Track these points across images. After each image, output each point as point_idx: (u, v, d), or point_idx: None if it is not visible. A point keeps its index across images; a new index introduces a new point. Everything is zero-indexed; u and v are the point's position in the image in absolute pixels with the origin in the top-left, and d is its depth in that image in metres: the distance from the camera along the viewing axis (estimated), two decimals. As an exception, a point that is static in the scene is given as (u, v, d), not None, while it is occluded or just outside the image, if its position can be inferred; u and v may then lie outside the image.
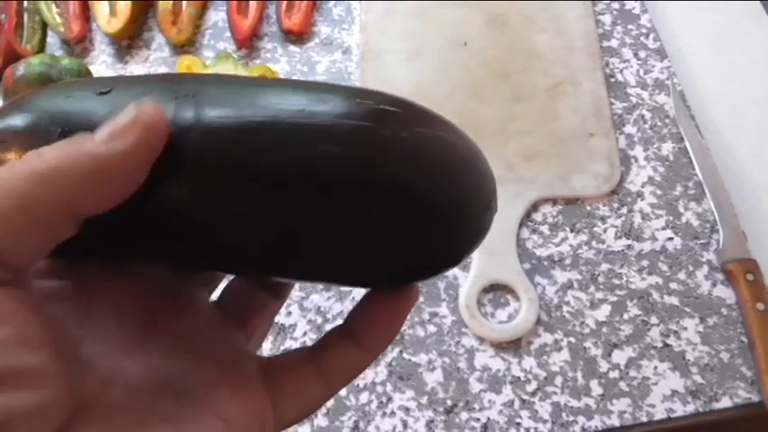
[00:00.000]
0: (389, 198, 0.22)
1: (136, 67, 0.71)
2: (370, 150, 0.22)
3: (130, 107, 0.22)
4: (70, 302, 0.24)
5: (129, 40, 0.73)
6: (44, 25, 0.73)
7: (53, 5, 0.72)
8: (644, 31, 0.72)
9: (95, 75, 0.67)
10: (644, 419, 0.52)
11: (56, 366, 0.20)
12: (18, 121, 0.24)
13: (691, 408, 0.53)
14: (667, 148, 0.64)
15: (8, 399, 0.18)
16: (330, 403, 0.53)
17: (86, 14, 0.73)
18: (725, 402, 0.53)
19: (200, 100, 0.23)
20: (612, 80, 0.69)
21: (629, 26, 0.72)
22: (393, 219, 0.23)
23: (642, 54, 0.70)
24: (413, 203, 0.23)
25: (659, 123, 0.66)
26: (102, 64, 0.71)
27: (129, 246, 0.25)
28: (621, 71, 0.69)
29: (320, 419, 0.53)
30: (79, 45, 0.72)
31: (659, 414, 0.52)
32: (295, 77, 0.69)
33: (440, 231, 0.23)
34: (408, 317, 0.56)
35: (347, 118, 0.22)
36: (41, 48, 0.71)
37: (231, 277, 0.30)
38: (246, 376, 0.25)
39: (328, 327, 0.55)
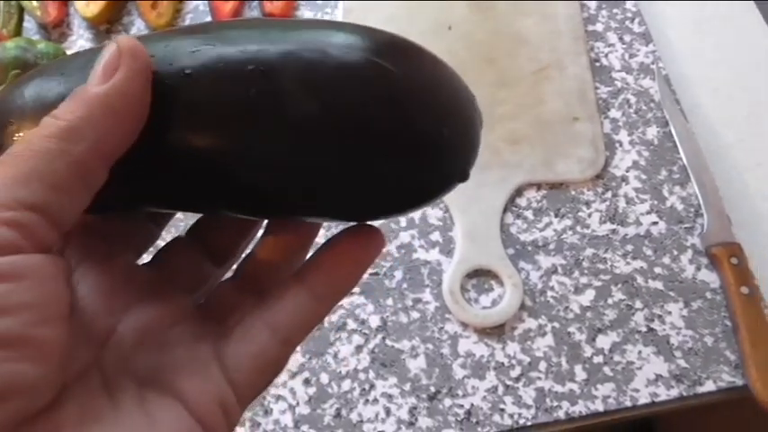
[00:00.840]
0: (400, 131, 0.23)
1: (115, 52, 0.69)
2: (381, 90, 0.23)
3: (109, 44, 0.23)
4: None
5: (107, 24, 0.71)
6: (21, 9, 0.71)
7: (30, -11, 0.71)
8: (629, 15, 0.71)
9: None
10: (628, 404, 0.52)
11: (62, 343, 0.20)
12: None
13: (675, 392, 0.52)
14: (652, 132, 0.64)
15: (11, 367, 0.18)
16: (312, 391, 0.53)
17: (64, -2, 0.72)
18: (709, 386, 0.52)
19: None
20: (597, 64, 0.68)
21: (615, 10, 0.72)
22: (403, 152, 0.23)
23: (627, 38, 0.70)
24: (421, 136, 0.23)
25: (644, 108, 0.65)
26: (79, 48, 0.70)
27: (143, 191, 0.25)
28: (606, 55, 0.69)
29: (302, 407, 0.52)
30: (57, 29, 0.71)
31: (643, 399, 0.52)
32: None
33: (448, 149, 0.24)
34: (391, 303, 0.55)
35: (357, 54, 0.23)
36: (18, 32, 0.70)
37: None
38: (202, 357, 0.25)
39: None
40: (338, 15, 0.71)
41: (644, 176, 0.62)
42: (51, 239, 0.21)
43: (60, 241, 0.21)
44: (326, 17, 0.72)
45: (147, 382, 0.24)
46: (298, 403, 0.52)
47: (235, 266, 0.30)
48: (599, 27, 0.71)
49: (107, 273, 0.26)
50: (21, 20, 0.71)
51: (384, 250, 0.58)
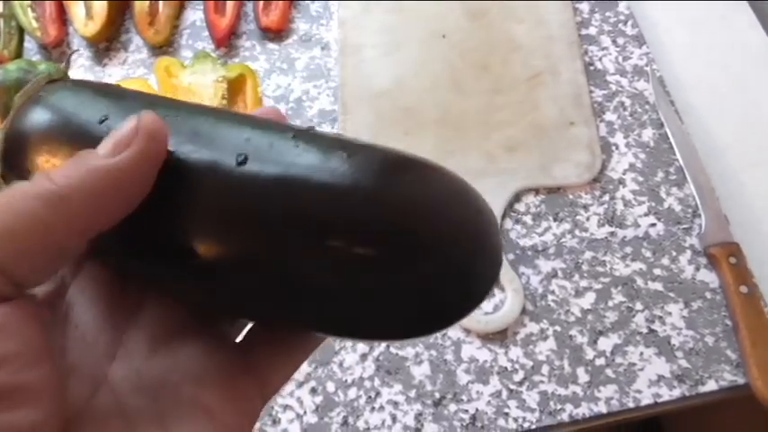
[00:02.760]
0: (404, 250, 0.22)
1: (114, 70, 0.70)
2: (378, 208, 0.22)
3: (131, 118, 0.22)
4: (54, 309, 0.24)
5: (106, 43, 0.72)
6: (21, 30, 0.72)
7: (29, 10, 0.72)
8: (622, 18, 0.72)
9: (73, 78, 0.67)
10: (631, 405, 0.53)
11: (53, 381, 0.20)
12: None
13: (677, 392, 0.53)
14: (648, 134, 0.65)
15: (10, 417, 0.18)
16: (319, 400, 0.53)
17: (63, 18, 0.73)
18: (711, 386, 0.53)
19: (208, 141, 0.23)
20: (591, 68, 0.69)
21: (607, 13, 0.72)
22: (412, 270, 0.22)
23: (620, 41, 0.70)
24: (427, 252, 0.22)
25: (639, 110, 0.66)
26: (80, 67, 0.71)
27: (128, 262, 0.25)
28: (600, 59, 0.69)
29: (309, 416, 0.53)
30: (57, 49, 0.72)
31: (646, 399, 0.53)
32: (274, 75, 0.69)
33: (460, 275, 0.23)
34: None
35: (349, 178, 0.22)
36: (19, 53, 0.71)
37: None
38: (231, 368, 0.25)
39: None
40: (333, 27, 0.72)
41: (641, 178, 0.62)
42: (13, 294, 0.20)
43: (24, 289, 0.21)
44: (321, 29, 0.72)
45: (163, 395, 0.23)
46: (305, 412, 0.53)
47: None
48: (592, 31, 0.71)
49: (105, 284, 0.26)
50: (21, 41, 0.72)
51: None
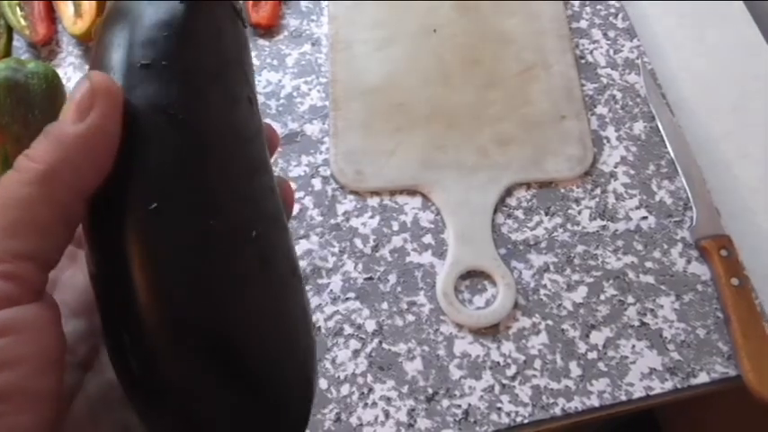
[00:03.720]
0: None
1: (104, 68, 0.70)
2: None
3: (82, 80, 0.22)
4: None
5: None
6: (9, 29, 0.71)
7: (18, 8, 0.71)
8: (612, 11, 0.72)
9: (63, 77, 0.67)
10: (623, 398, 0.53)
11: (58, 390, 0.21)
12: None
13: (669, 385, 0.53)
14: (639, 127, 0.64)
15: (13, 420, 0.19)
16: (311, 397, 0.53)
17: (51, 16, 0.72)
18: (703, 378, 0.53)
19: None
20: (583, 61, 0.69)
21: (598, 6, 0.72)
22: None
23: (611, 34, 0.70)
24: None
25: (630, 103, 0.66)
26: (69, 66, 0.70)
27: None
28: (591, 52, 0.69)
29: (302, 413, 0.53)
30: (46, 47, 0.72)
31: (638, 392, 0.53)
32: (265, 72, 0.69)
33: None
34: (386, 307, 0.56)
35: None
36: (8, 52, 0.70)
37: None
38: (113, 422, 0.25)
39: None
40: (323, 23, 0.72)
41: (632, 172, 0.62)
42: (43, 283, 0.21)
43: (49, 271, 0.22)
44: (312, 25, 0.72)
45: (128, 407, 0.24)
46: (297, 410, 0.53)
47: None
48: (583, 24, 0.71)
49: (84, 293, 0.26)
50: (10, 39, 0.71)
51: (377, 255, 0.58)
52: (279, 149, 0.64)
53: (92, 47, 0.24)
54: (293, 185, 0.62)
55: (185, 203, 0.22)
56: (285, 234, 0.24)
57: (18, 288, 0.20)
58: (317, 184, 0.62)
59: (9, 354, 0.19)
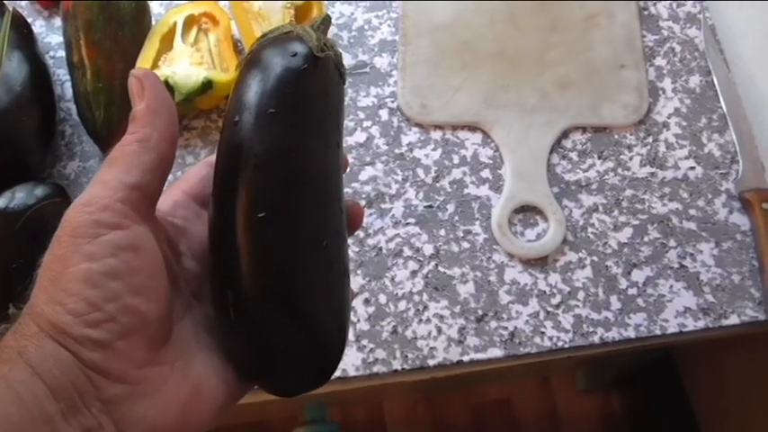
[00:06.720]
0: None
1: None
2: None
3: (130, 78, 0.30)
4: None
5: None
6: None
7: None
8: (679, -37, 0.73)
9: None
10: (658, 332, 0.57)
11: (169, 291, 0.29)
12: None
13: (701, 323, 0.57)
14: (695, 80, 0.67)
15: (145, 308, 0.27)
16: (371, 310, 0.58)
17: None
18: (733, 320, 0.57)
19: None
20: (646, 13, 0.71)
21: (665, -42, 0.74)
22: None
23: (676, -13, 0.72)
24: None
25: (688, 56, 0.68)
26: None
27: None
28: (655, 4, 0.71)
29: (362, 324, 0.58)
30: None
31: (672, 328, 0.57)
32: (338, 4, 0.71)
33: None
34: (444, 234, 0.60)
35: None
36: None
37: None
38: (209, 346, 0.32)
39: (370, 241, 0.60)
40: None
41: (684, 123, 0.65)
42: (148, 208, 0.29)
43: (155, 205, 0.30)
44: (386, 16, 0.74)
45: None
46: (359, 320, 0.58)
47: None
48: (649, -25, 0.73)
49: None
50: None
51: (438, 185, 0.62)
52: (348, 80, 0.67)
53: (234, 82, 0.33)
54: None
55: (283, 217, 0.30)
56: (344, 245, 0.33)
57: (130, 209, 0.28)
58: (383, 114, 0.66)
59: (135, 264, 0.27)
